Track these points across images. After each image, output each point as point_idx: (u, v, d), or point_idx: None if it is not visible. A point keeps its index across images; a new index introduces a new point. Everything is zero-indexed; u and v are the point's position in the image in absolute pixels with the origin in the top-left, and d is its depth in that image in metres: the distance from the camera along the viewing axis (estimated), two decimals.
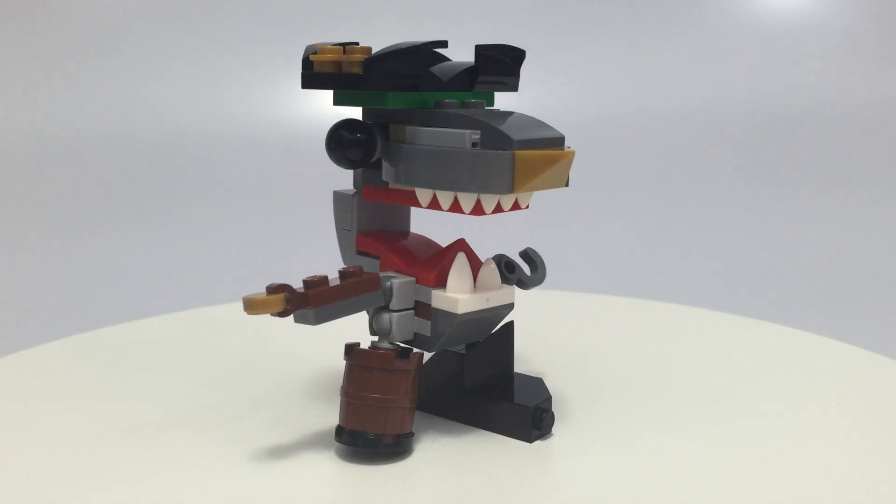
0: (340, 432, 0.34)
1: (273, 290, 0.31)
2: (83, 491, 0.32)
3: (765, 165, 1.16)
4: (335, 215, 0.38)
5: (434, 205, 0.35)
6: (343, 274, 0.33)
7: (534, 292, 0.58)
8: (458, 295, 0.34)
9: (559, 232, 0.99)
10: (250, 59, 1.25)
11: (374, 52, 0.34)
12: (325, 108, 1.17)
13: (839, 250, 0.98)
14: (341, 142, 0.35)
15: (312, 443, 0.36)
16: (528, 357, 0.45)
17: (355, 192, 0.38)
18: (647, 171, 1.16)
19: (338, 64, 0.34)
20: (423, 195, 0.35)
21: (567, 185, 0.34)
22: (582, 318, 0.53)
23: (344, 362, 0.35)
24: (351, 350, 0.34)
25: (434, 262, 0.36)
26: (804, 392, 0.40)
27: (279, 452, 0.35)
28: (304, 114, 1.16)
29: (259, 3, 1.28)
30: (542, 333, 0.49)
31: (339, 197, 0.38)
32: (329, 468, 0.34)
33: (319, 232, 0.93)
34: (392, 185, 0.36)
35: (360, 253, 0.38)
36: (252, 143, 1.15)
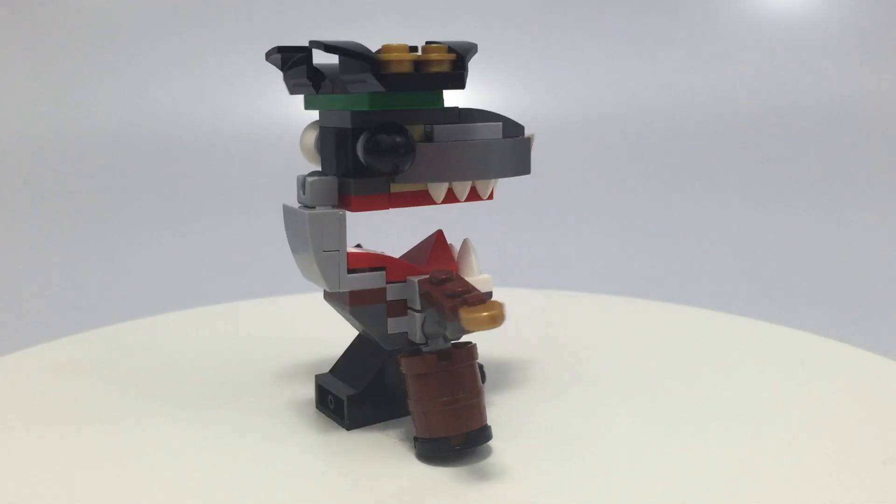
0: (438, 444, 0.33)
1: (477, 300, 0.31)
2: (83, 490, 0.32)
3: (765, 165, 1.16)
4: (314, 240, 0.34)
5: (448, 198, 0.35)
6: (438, 279, 0.33)
7: (533, 292, 0.58)
8: (488, 274, 0.37)
9: (559, 231, 0.99)
10: (250, 60, 1.25)
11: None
12: None
13: (839, 250, 0.98)
14: (402, 148, 0.33)
15: (313, 444, 0.36)
16: (527, 357, 0.45)
17: (338, 209, 0.34)
18: (646, 171, 1.16)
19: (417, 64, 0.33)
20: (440, 190, 0.35)
21: None
22: (582, 318, 0.53)
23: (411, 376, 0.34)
24: (450, 355, 0.33)
25: (440, 256, 0.36)
26: (804, 392, 0.40)
27: (280, 452, 0.35)
28: (304, 113, 1.16)
29: (259, 4, 1.28)
30: (541, 333, 0.49)
31: (321, 218, 0.34)
32: (324, 469, 0.34)
33: None
34: (400, 188, 0.35)
35: (353, 271, 0.35)
36: (252, 143, 1.15)
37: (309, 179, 0.34)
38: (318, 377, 0.38)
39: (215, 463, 0.34)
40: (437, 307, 0.33)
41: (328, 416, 0.38)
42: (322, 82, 0.35)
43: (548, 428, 0.37)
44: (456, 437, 0.33)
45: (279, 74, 1.23)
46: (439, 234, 0.37)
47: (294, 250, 0.36)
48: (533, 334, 0.49)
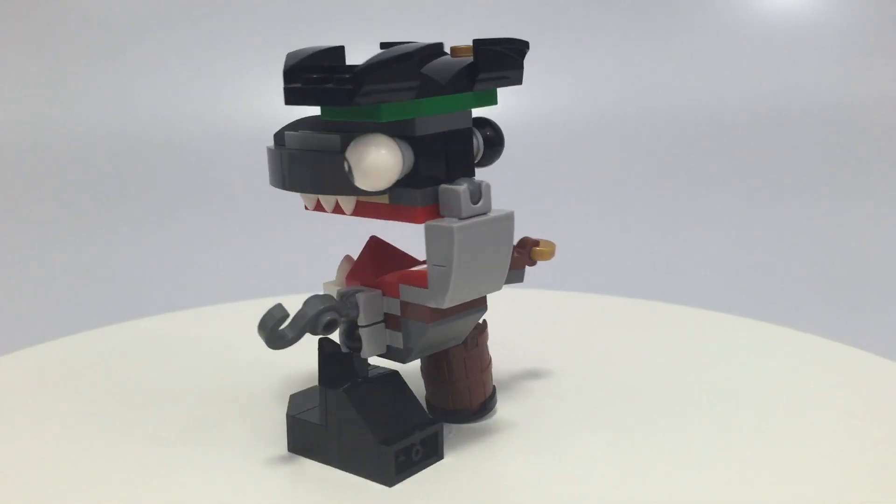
0: (479, 410, 0.37)
1: (532, 241, 0.38)
2: (82, 490, 0.32)
3: (764, 165, 1.16)
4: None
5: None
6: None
7: (533, 292, 0.58)
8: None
9: (559, 231, 0.99)
10: (250, 60, 1.24)
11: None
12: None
13: (839, 250, 0.98)
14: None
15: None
16: (525, 357, 0.45)
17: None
18: (646, 171, 1.16)
19: None
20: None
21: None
22: (582, 318, 0.53)
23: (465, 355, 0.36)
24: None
25: (384, 259, 0.36)
26: (803, 393, 0.40)
27: (280, 452, 0.35)
28: (304, 113, 1.16)
29: (258, 3, 1.28)
30: (541, 333, 0.49)
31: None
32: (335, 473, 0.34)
33: (319, 232, 0.93)
34: None
35: None
36: (251, 143, 1.15)
37: (485, 183, 0.32)
38: (394, 449, 0.33)
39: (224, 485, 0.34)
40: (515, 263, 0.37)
41: (411, 474, 0.33)
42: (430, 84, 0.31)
43: (546, 429, 0.37)
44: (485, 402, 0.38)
45: (279, 74, 1.22)
46: (375, 239, 0.36)
47: (476, 266, 0.32)
48: (531, 335, 0.49)
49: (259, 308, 0.56)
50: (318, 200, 0.34)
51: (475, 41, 0.32)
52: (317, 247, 0.90)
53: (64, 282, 0.92)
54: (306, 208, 0.35)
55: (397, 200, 0.32)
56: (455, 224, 0.31)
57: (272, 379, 0.43)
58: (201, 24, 1.26)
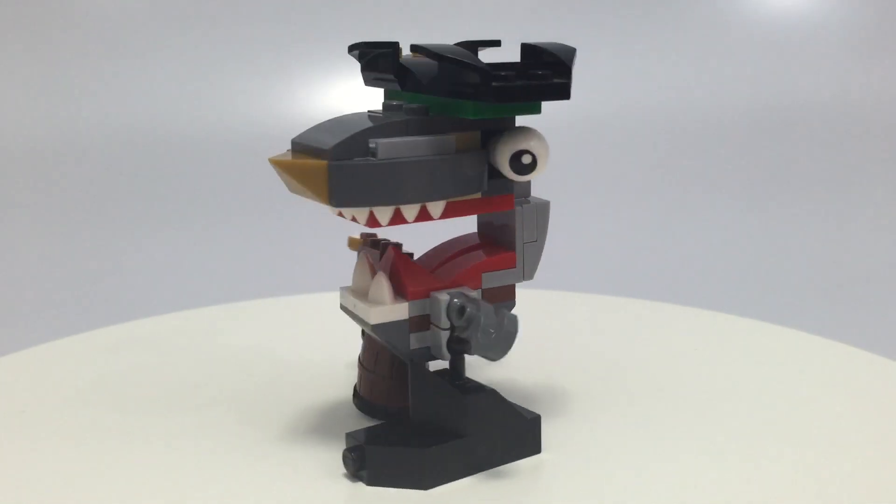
0: None
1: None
2: (83, 491, 0.32)
3: (765, 165, 1.16)
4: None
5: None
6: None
7: (532, 292, 0.58)
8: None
9: (559, 231, 0.99)
10: (250, 60, 1.25)
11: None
12: (325, 109, 1.17)
13: (839, 250, 0.98)
14: None
15: (316, 442, 0.36)
16: (526, 358, 0.45)
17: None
18: (646, 171, 1.16)
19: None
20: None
21: (328, 202, 0.30)
22: (582, 318, 0.53)
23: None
24: None
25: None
26: (803, 393, 0.40)
27: (282, 453, 0.35)
28: (303, 113, 1.16)
29: (258, 4, 1.28)
30: (542, 333, 0.49)
31: None
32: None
33: (318, 231, 0.93)
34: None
35: None
36: (252, 143, 1.15)
37: None
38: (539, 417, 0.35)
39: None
40: None
41: None
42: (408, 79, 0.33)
43: (544, 429, 0.37)
44: None
45: (279, 74, 1.23)
46: (397, 249, 0.35)
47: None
48: (530, 334, 0.49)
49: (259, 308, 0.56)
50: (397, 212, 0.31)
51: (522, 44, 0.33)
52: (317, 247, 0.91)
53: (64, 282, 0.92)
54: (378, 223, 0.31)
55: (490, 192, 0.34)
56: (545, 199, 0.35)
57: (273, 379, 0.43)
58: (202, 24, 1.26)
